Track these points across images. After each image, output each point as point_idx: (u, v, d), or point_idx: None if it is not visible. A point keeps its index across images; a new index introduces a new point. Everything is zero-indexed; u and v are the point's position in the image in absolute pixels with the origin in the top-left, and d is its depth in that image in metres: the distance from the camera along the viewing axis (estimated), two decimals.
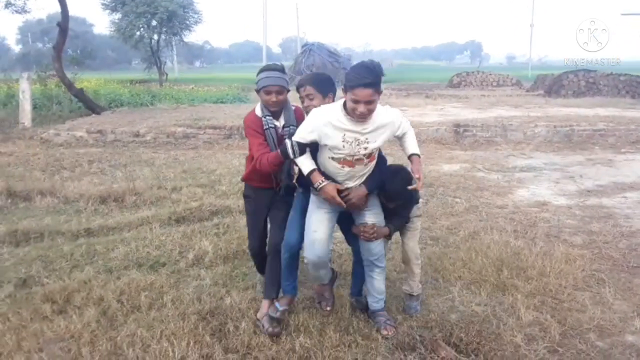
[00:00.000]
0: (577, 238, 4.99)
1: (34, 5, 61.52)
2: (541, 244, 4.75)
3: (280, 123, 3.32)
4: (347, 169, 3.02)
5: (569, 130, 11.05)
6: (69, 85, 15.43)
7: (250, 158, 3.39)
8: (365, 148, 2.96)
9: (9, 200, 6.27)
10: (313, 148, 3.08)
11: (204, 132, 11.21)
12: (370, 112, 2.87)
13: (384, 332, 3.18)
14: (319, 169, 3.07)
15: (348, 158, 2.98)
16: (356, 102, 2.81)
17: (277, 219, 3.42)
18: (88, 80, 20.86)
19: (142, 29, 30.73)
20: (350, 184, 3.10)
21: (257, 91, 3.30)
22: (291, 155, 3.03)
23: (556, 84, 21.08)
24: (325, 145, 2.99)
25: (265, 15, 22.97)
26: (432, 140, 10.85)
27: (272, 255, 3.40)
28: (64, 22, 15.15)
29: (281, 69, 3.32)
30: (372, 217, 3.21)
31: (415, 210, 3.43)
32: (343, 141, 2.93)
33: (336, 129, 2.92)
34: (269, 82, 3.22)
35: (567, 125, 11.20)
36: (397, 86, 29.51)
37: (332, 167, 3.05)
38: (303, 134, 3.01)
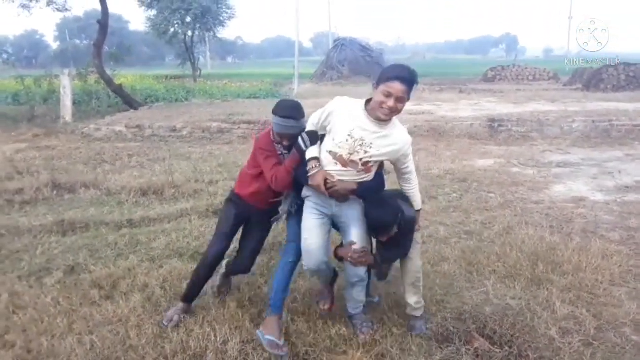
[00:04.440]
0: (614, 234, 4.93)
1: (74, 3, 63.45)
2: (577, 239, 4.72)
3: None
4: (339, 166, 2.91)
5: (607, 125, 10.82)
6: (109, 82, 15.87)
7: (250, 174, 3.32)
8: (365, 152, 2.87)
9: (55, 192, 6.54)
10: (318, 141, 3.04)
11: (238, 127, 11.38)
12: (397, 111, 2.80)
13: (361, 337, 3.13)
14: None
15: (344, 155, 2.88)
16: (388, 95, 2.75)
17: (251, 242, 3.51)
18: (125, 77, 21.40)
19: (176, 25, 31.35)
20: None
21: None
22: (303, 147, 2.99)
23: (595, 77, 20.52)
24: (331, 136, 2.94)
25: (297, 10, 23.05)
26: (466, 136, 10.77)
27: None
28: (104, 19, 15.55)
29: (295, 117, 3.08)
30: (357, 236, 3.04)
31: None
32: (349, 135, 2.85)
33: (350, 119, 2.86)
34: (281, 130, 3.09)
35: (606, 120, 10.97)
36: (430, 81, 29.18)
37: (326, 161, 2.95)
38: (317, 117, 3.01)
